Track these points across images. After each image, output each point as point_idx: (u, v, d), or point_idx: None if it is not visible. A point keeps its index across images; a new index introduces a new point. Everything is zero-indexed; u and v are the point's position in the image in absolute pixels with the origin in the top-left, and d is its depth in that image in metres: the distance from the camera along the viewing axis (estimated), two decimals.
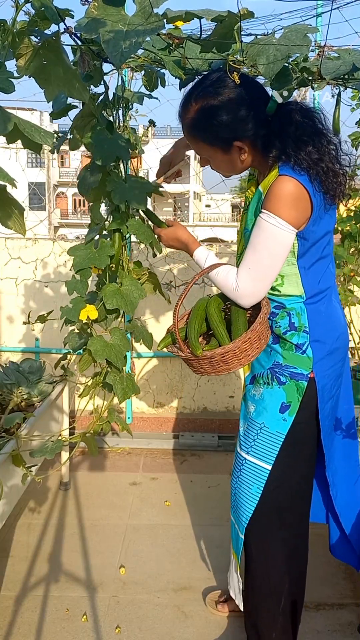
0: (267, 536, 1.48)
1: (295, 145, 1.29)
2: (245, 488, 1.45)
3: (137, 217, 1.58)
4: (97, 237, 1.53)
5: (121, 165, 1.58)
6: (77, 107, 1.42)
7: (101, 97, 1.41)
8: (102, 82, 1.37)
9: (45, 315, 2.07)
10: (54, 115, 1.41)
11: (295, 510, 1.49)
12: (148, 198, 1.62)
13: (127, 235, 1.57)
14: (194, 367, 1.43)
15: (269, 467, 1.42)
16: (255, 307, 1.42)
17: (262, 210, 1.31)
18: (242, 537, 1.49)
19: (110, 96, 1.45)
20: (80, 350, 1.62)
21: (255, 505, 1.44)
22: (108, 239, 1.53)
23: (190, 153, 1.59)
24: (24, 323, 2.15)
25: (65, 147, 1.55)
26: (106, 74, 1.40)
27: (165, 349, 1.50)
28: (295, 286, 1.39)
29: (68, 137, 1.46)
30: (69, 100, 1.38)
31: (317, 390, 1.41)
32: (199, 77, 1.40)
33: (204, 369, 1.40)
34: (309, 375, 1.40)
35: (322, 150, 1.31)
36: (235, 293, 1.37)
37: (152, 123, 2.38)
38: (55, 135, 1.49)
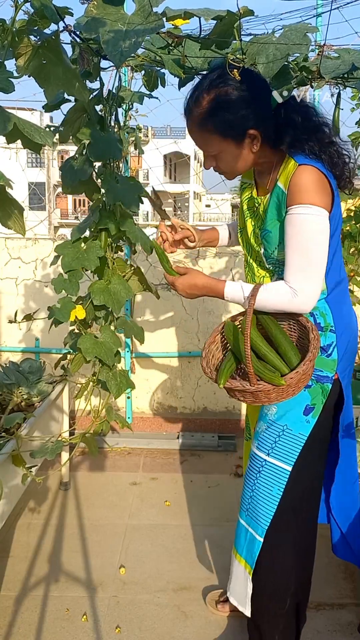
0: (281, 538, 1.45)
1: (304, 132, 1.31)
2: (266, 490, 1.42)
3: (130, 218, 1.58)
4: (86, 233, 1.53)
5: (118, 165, 1.58)
6: (70, 100, 1.42)
7: (95, 93, 1.41)
8: (98, 78, 1.37)
9: (31, 314, 2.08)
10: (48, 109, 1.41)
11: (307, 511, 1.48)
12: (145, 199, 1.63)
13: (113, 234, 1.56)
14: (256, 398, 1.31)
15: (289, 468, 1.40)
16: (287, 321, 1.38)
17: (293, 205, 1.28)
18: (261, 540, 1.45)
19: (105, 93, 1.44)
20: None
21: (276, 507, 1.41)
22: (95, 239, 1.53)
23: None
24: (10, 322, 2.15)
25: (65, 146, 1.54)
26: (104, 69, 1.40)
27: (225, 385, 1.36)
28: None
29: (58, 129, 1.46)
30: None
31: (343, 390, 1.42)
32: (199, 76, 1.40)
33: (269, 397, 1.29)
34: (333, 377, 1.40)
35: (327, 138, 1.34)
36: (295, 300, 1.30)
37: (139, 129, 2.41)
38: (49, 129, 1.48)
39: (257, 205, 1.45)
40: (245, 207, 1.52)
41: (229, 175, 1.44)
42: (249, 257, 1.52)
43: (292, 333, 1.41)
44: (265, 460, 1.43)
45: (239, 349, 1.36)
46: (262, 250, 1.43)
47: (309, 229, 1.27)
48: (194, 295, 1.44)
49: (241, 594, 1.52)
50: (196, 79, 1.43)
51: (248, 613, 1.51)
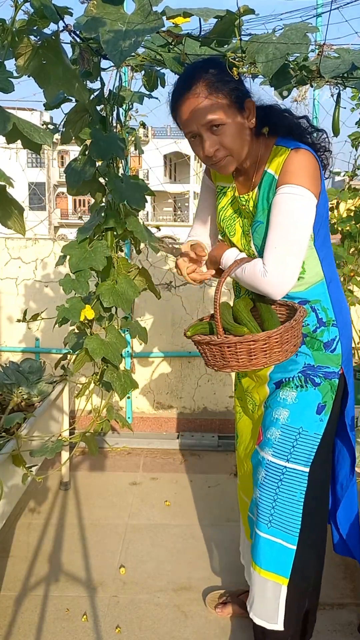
0: (309, 542, 1.42)
1: (280, 118, 1.33)
2: (289, 496, 1.38)
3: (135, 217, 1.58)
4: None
5: (120, 164, 1.58)
6: (71, 100, 1.42)
7: (96, 93, 1.41)
8: (99, 78, 1.37)
9: (39, 314, 2.07)
10: (48, 107, 1.41)
11: (322, 510, 1.46)
12: (148, 198, 1.63)
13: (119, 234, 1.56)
14: (225, 360, 1.24)
15: (308, 470, 1.37)
16: (285, 310, 1.36)
17: (282, 185, 1.26)
18: (294, 547, 1.39)
19: (106, 93, 1.44)
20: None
21: (302, 512, 1.38)
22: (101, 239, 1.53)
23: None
24: (18, 321, 2.15)
25: (65, 147, 1.55)
26: (104, 69, 1.40)
27: (194, 337, 1.33)
28: (317, 271, 1.37)
29: (60, 129, 1.46)
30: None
31: (347, 384, 1.41)
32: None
33: (238, 360, 1.22)
34: (339, 372, 1.39)
35: (308, 124, 1.38)
36: (263, 279, 1.26)
37: (142, 125, 2.41)
38: (47, 128, 1.48)
39: (244, 203, 1.41)
40: (228, 212, 1.47)
41: (232, 161, 1.32)
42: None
43: (283, 318, 1.38)
44: (285, 467, 1.38)
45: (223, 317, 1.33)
46: (252, 246, 1.39)
47: (293, 209, 1.25)
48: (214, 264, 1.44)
49: (271, 610, 1.42)
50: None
51: (281, 627, 1.42)
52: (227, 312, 1.35)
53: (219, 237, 1.54)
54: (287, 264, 1.26)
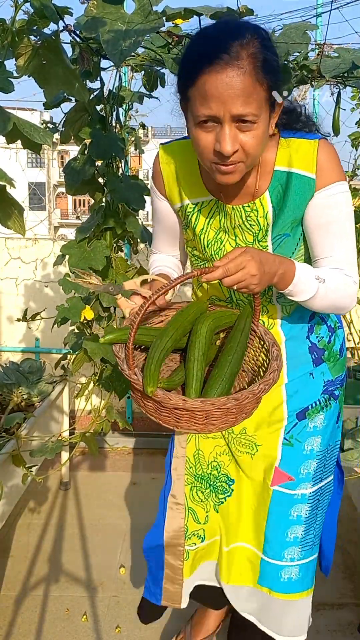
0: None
1: (297, 117, 1.16)
2: (323, 508, 1.34)
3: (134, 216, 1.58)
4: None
5: (119, 164, 1.58)
6: (71, 100, 1.43)
7: (96, 93, 1.42)
8: (98, 78, 1.38)
9: (39, 313, 2.08)
10: (48, 107, 1.42)
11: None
12: (147, 198, 1.63)
13: (118, 234, 1.57)
14: (135, 394, 0.97)
15: (333, 477, 1.35)
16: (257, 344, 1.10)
17: (330, 185, 1.05)
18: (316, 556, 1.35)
19: (106, 93, 1.45)
20: None
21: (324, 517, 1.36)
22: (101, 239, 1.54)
23: None
24: (18, 320, 2.15)
25: (65, 147, 1.55)
26: (104, 69, 1.41)
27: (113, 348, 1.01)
28: None
29: (60, 129, 1.47)
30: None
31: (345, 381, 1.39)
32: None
33: (145, 405, 0.94)
34: (346, 373, 1.35)
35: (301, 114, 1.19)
36: (354, 289, 1.09)
37: (142, 126, 2.42)
38: (47, 127, 1.49)
39: (246, 215, 1.11)
40: (211, 235, 1.17)
41: (242, 169, 0.99)
42: (233, 296, 1.21)
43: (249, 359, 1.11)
44: (320, 488, 1.31)
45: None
46: None
47: (350, 209, 1.09)
48: (266, 274, 0.95)
49: (304, 624, 1.35)
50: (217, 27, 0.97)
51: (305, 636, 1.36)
52: (175, 332, 1.01)
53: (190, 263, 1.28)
54: (357, 268, 1.12)
